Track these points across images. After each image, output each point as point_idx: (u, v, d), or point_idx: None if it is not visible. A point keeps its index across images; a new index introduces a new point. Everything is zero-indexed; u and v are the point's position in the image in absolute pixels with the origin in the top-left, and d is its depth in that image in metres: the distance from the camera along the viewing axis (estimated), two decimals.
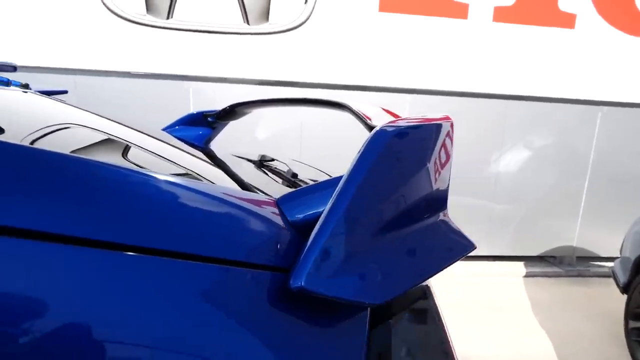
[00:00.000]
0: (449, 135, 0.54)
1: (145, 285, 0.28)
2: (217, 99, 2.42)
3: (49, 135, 0.63)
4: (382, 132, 0.43)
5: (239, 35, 2.30)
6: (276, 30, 2.30)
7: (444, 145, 0.53)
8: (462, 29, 2.51)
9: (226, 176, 1.00)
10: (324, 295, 0.33)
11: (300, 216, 0.39)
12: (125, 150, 0.76)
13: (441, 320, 0.46)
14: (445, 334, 0.45)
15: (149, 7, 2.25)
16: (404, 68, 2.43)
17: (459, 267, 2.64)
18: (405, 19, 2.39)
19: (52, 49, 2.30)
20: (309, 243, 0.34)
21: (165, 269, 0.29)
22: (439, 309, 0.46)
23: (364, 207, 0.38)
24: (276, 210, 0.40)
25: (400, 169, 0.44)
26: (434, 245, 0.45)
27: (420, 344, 0.46)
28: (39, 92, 0.93)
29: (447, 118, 0.56)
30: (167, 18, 2.26)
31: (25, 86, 0.83)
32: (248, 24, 2.29)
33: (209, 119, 1.48)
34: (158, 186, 0.34)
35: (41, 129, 0.63)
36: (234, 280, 0.33)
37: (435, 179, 0.50)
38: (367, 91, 2.46)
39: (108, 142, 0.77)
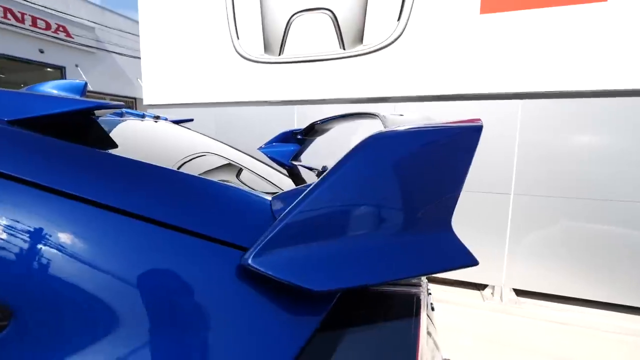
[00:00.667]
0: (467, 141, 0.52)
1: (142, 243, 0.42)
2: (317, 119, 2.71)
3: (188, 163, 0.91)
4: (369, 138, 0.46)
5: (336, 60, 2.53)
6: (370, 50, 2.42)
7: (455, 151, 0.52)
8: (595, 13, 2.03)
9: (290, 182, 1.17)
10: (264, 273, 0.38)
11: (283, 210, 0.45)
12: (239, 172, 1.00)
13: (417, 343, 0.44)
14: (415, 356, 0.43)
15: (266, 48, 2.74)
16: (514, 70, 2.15)
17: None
18: (514, 17, 2.12)
19: (200, 88, 3.07)
20: (269, 229, 0.41)
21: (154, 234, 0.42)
22: (420, 328, 0.45)
23: (329, 204, 0.42)
24: (267, 204, 0.48)
25: (384, 173, 0.46)
26: (419, 251, 0.45)
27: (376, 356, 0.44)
28: (172, 121, 1.32)
29: (474, 121, 0.53)
30: (279, 54, 2.69)
31: (157, 117, 1.19)
32: (344, 48, 2.49)
33: (297, 136, 1.72)
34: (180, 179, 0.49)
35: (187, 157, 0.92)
36: (212, 252, 0.43)
37: (435, 187, 0.50)
38: (466, 100, 2.28)
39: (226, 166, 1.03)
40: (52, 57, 10.71)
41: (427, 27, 2.28)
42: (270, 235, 0.43)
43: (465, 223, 2.35)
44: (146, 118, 1.13)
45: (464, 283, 2.50)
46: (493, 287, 2.39)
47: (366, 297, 0.49)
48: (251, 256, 0.42)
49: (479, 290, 2.48)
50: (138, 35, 3.31)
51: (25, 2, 9.72)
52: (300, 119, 2.74)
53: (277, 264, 0.41)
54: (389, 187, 0.48)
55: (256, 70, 2.80)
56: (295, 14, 2.59)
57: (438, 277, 2.52)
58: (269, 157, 1.64)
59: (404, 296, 0.53)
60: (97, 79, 11.81)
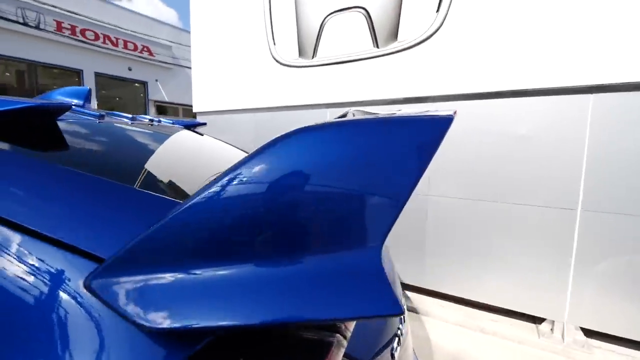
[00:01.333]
0: (421, 137, 0.38)
1: None
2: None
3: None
4: (275, 139, 0.37)
5: (369, 60, 2.39)
6: (405, 46, 2.22)
7: (402, 150, 0.38)
8: None
9: None
10: (100, 298, 0.32)
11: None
12: None
13: None
14: None
15: (301, 52, 2.72)
16: (581, 59, 1.75)
17: None
18: None
19: (240, 95, 3.18)
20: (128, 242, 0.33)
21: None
22: None
23: (206, 216, 0.33)
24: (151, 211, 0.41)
25: (290, 178, 0.35)
26: (321, 287, 0.33)
27: None
28: (179, 123, 1.32)
29: (444, 116, 0.38)
30: (312, 57, 2.64)
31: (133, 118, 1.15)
32: (377, 46, 2.34)
33: None
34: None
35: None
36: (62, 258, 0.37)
37: (364, 195, 0.36)
38: (515, 97, 1.93)
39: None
40: (137, 73, 12.39)
41: (471, 17, 2.01)
42: (119, 252, 0.35)
43: (518, 240, 1.99)
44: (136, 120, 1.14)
45: (515, 312, 2.11)
46: (552, 322, 1.97)
47: (251, 342, 0.38)
48: (93, 275, 0.34)
49: (534, 323, 2.07)
50: None
51: (119, 29, 11.44)
52: None
53: (118, 289, 0.33)
54: (293, 196, 0.36)
55: (291, 75, 2.80)
56: (329, 15, 2.52)
57: (482, 302, 2.18)
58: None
59: (307, 343, 0.40)
60: (173, 91, 13.33)
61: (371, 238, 0.36)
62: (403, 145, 0.39)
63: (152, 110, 13.23)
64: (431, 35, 2.12)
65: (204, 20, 3.42)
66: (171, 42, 12.82)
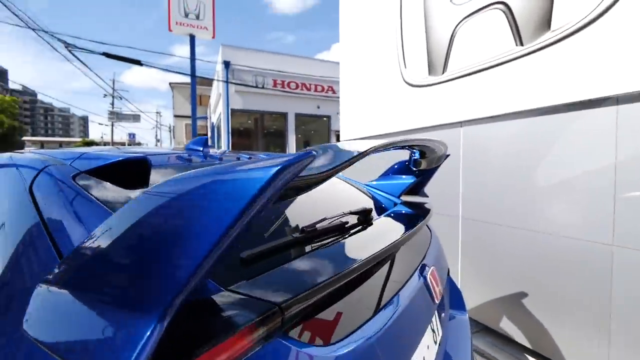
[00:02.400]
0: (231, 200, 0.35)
1: None
2: (485, 141, 2.14)
3: None
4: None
5: (511, 63, 1.91)
6: (561, 35, 1.63)
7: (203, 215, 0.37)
8: None
9: None
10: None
11: None
12: None
13: None
14: None
15: (430, 70, 2.52)
16: None
17: None
18: None
19: (377, 121, 3.25)
20: None
21: None
22: None
23: None
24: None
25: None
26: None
27: None
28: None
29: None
30: (442, 73, 2.39)
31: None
32: (521, 44, 1.83)
33: (411, 167, 1.50)
34: None
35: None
36: None
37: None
38: None
39: None
40: (323, 110, 14.91)
41: None
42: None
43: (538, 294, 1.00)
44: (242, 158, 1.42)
45: None
46: None
47: None
48: None
49: None
50: None
51: (311, 76, 14.30)
52: (467, 142, 2.26)
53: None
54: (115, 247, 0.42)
55: (421, 95, 2.63)
56: (460, 23, 2.22)
57: None
58: (375, 193, 1.54)
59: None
60: None
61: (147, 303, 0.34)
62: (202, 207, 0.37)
63: (334, 139, 15.43)
64: (600, 15, 1.46)
65: (348, 52, 3.79)
66: None
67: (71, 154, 1.02)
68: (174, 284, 0.34)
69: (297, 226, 0.80)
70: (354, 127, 3.69)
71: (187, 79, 14.81)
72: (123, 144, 38.95)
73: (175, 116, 28.69)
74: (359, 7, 3.56)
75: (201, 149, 1.43)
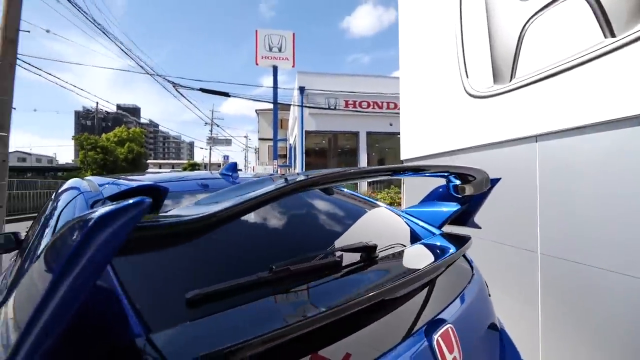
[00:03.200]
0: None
1: None
2: (570, 157, 1.71)
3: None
4: None
5: (602, 58, 1.50)
6: None
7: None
8: None
9: None
10: None
11: None
12: None
13: None
14: None
15: (495, 78, 2.18)
16: None
17: None
18: None
19: (440, 138, 2.95)
20: None
21: None
22: None
23: None
24: None
25: None
26: None
27: None
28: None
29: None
30: (510, 80, 2.04)
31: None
32: (612, 35, 1.42)
33: (453, 193, 1.31)
34: None
35: None
36: None
37: None
38: None
39: None
40: (396, 127, 14.48)
41: None
42: None
43: None
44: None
45: None
46: None
47: None
48: None
49: None
50: None
51: (382, 94, 14.13)
52: (545, 159, 1.85)
53: None
54: None
55: (485, 107, 2.29)
56: (530, 19, 1.88)
57: None
58: (413, 221, 1.36)
59: None
60: None
61: None
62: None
63: None
64: None
65: (406, 67, 3.59)
66: None
67: (104, 181, 1.15)
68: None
69: (273, 263, 0.72)
70: (413, 146, 3.43)
71: (271, 106, 16.25)
72: (219, 164, 44.60)
73: (260, 139, 31.63)
74: (417, 18, 3.37)
75: (230, 174, 1.48)
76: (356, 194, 1.63)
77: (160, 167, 68.06)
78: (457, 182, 1.19)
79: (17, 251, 1.58)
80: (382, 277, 0.78)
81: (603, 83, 1.50)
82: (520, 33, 1.94)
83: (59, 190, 1.24)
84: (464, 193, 1.23)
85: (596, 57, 1.51)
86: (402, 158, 3.71)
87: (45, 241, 0.87)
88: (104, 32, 7.74)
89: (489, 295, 1.12)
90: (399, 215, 1.36)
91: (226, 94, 11.68)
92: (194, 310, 0.56)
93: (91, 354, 0.46)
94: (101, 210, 0.31)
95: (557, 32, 1.73)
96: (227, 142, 30.24)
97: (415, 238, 1.20)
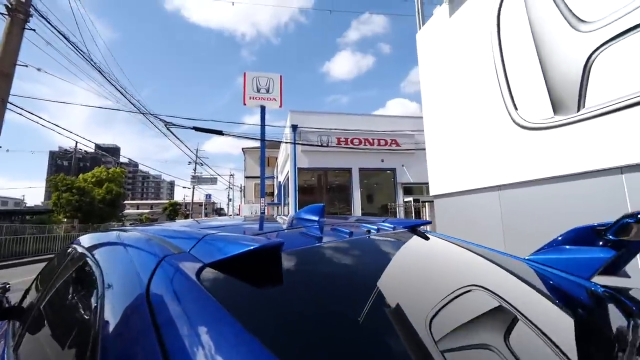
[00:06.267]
0: None
1: None
2: None
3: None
4: None
5: None
6: None
7: None
8: None
9: None
10: None
11: None
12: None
13: None
14: None
15: (556, 108, 2.09)
16: None
17: None
18: None
19: (479, 173, 2.80)
20: None
21: None
22: None
23: None
24: None
25: None
26: None
27: None
28: (399, 224, 1.19)
29: None
30: (578, 110, 1.95)
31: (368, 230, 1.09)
32: None
33: (606, 234, 1.06)
34: None
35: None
36: None
37: None
38: None
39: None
40: (388, 163, 14.66)
41: None
42: None
43: None
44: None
45: None
46: None
47: None
48: None
49: None
50: None
51: (374, 131, 14.46)
52: (637, 198, 1.69)
53: None
54: None
55: (543, 138, 2.18)
56: (598, 49, 1.83)
57: None
58: (542, 270, 1.10)
59: None
60: (417, 173, 14.48)
61: None
62: None
63: (400, 191, 14.80)
64: None
65: (434, 102, 3.54)
66: (413, 131, 14.47)
67: (186, 235, 0.84)
68: None
69: None
70: (445, 182, 3.27)
71: (257, 144, 16.20)
72: (201, 204, 43.22)
73: (246, 177, 31.26)
74: (443, 54, 3.39)
75: (317, 218, 1.20)
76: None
77: (137, 208, 65.15)
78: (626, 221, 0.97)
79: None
80: None
81: None
82: (587, 63, 1.88)
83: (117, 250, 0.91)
84: (627, 236, 1.00)
85: None
86: (432, 194, 3.54)
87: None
88: (99, 71, 7.54)
89: None
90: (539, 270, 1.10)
91: (220, 132, 11.52)
92: None
93: None
94: None
95: (632, 62, 1.67)
96: (213, 180, 29.57)
97: (557, 295, 0.94)
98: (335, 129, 14.16)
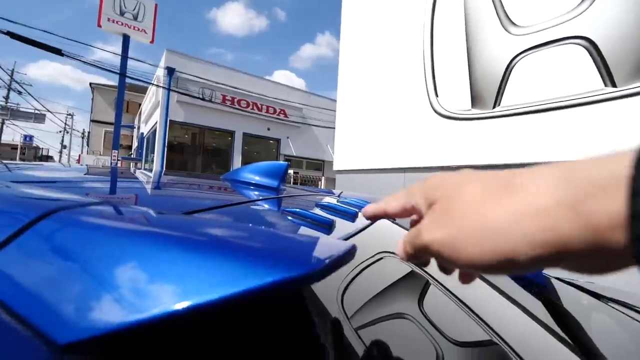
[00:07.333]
0: None
1: None
2: None
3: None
4: None
5: (601, 104, 1.68)
6: None
7: None
8: None
9: None
10: None
11: None
12: None
13: None
14: None
15: (474, 102, 2.22)
16: None
17: None
18: None
19: (388, 153, 2.84)
20: None
21: None
22: None
23: None
24: None
25: None
26: None
27: None
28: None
29: None
30: (494, 107, 2.10)
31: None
32: (613, 85, 1.63)
33: None
34: None
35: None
36: None
37: None
38: None
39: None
40: (274, 132, 14.32)
41: None
42: None
43: None
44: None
45: None
46: None
47: None
48: None
49: None
50: (334, 110, 3.59)
51: (263, 96, 13.72)
52: None
53: None
54: None
55: (459, 129, 2.30)
56: (520, 54, 1.99)
57: None
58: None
59: None
60: (300, 147, 14.77)
61: None
62: None
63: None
64: None
65: (352, 74, 3.39)
66: (302, 104, 14.53)
67: None
68: None
69: None
70: (352, 159, 3.22)
71: (111, 82, 12.79)
72: (14, 147, 31.86)
73: (93, 121, 24.80)
74: (369, 22, 3.22)
75: (277, 184, 0.76)
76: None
77: None
78: None
79: None
80: None
81: (601, 123, 1.68)
82: (510, 64, 2.03)
83: None
84: None
85: (596, 102, 1.68)
86: (336, 168, 3.45)
87: None
88: None
89: None
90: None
91: (57, 51, 8.25)
92: None
93: None
94: None
95: (549, 71, 1.87)
96: (38, 117, 21.92)
97: None
98: (223, 85, 12.64)
